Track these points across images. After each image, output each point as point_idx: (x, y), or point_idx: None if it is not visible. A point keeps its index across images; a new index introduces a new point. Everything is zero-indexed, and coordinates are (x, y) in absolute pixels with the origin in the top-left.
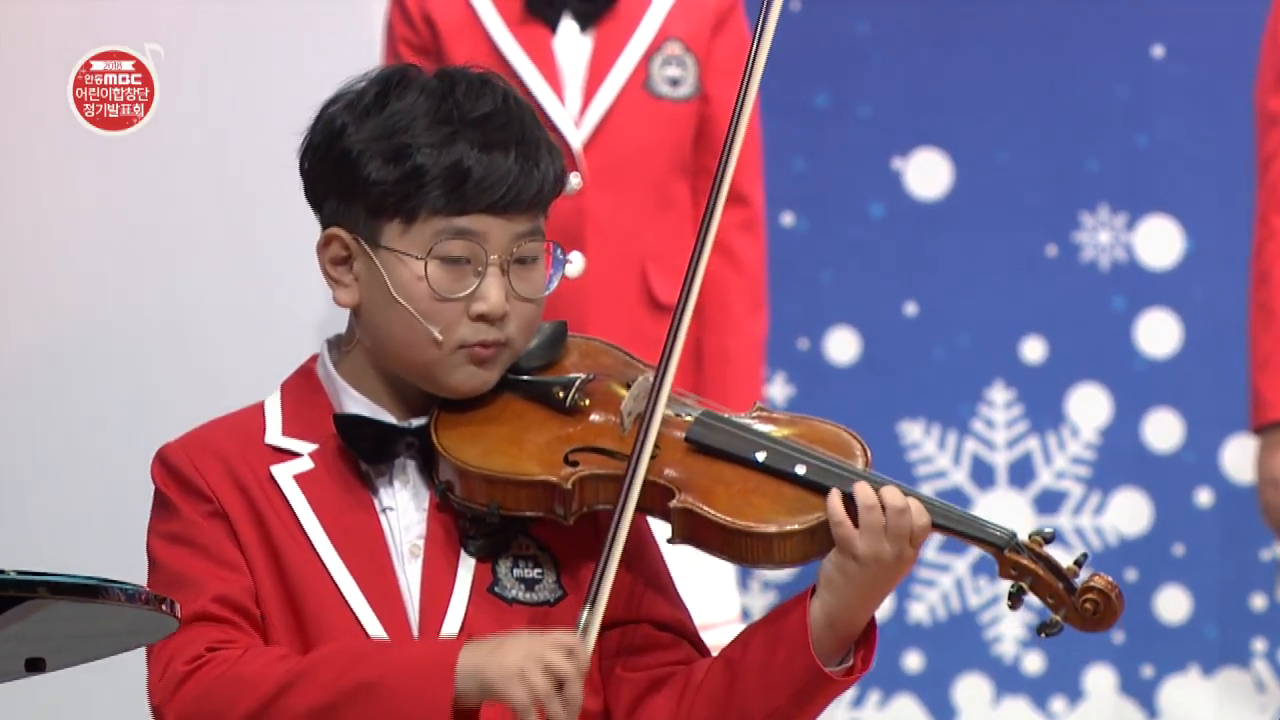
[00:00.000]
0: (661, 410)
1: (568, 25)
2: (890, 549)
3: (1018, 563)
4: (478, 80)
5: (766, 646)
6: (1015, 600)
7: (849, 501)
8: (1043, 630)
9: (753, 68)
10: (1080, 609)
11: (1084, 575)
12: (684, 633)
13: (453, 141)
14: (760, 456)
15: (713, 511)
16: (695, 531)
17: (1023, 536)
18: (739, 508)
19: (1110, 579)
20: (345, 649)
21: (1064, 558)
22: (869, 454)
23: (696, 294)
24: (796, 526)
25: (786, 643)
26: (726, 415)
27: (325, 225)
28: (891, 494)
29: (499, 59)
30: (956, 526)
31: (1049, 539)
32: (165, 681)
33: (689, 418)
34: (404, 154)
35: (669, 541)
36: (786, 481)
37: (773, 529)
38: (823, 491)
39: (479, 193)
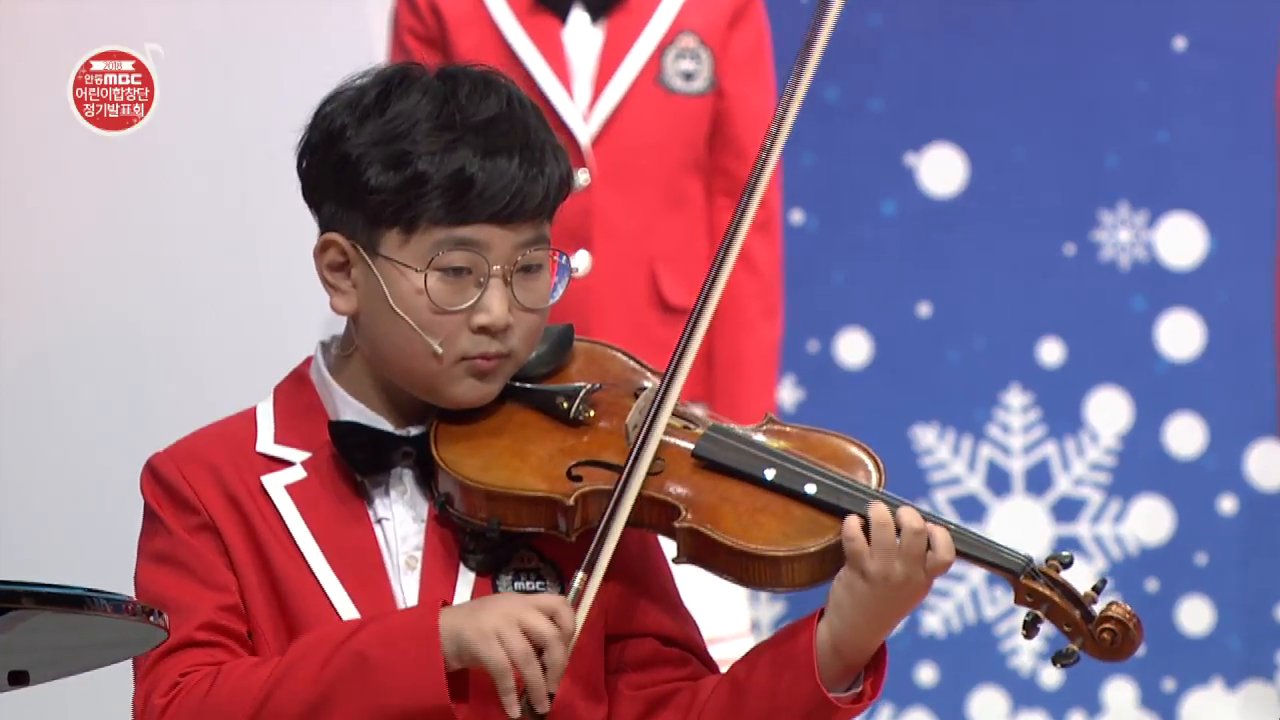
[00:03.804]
0: (662, 427)
1: (578, 16)
2: (900, 569)
3: (1033, 589)
4: (481, 81)
5: (772, 670)
6: (1030, 629)
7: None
8: (1058, 660)
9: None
10: (1098, 638)
11: (1102, 603)
12: (691, 648)
13: (454, 148)
14: (769, 474)
15: (719, 532)
16: (701, 552)
17: (1040, 561)
18: (746, 528)
19: (1129, 608)
20: (321, 637)
21: (1082, 583)
22: (883, 471)
23: (710, 311)
24: (805, 549)
25: (792, 668)
26: (735, 429)
27: (323, 229)
28: (909, 515)
29: (506, 51)
30: (970, 550)
31: (1067, 564)
32: (146, 716)
33: (697, 431)
34: (404, 161)
35: (674, 561)
36: (796, 501)
37: (781, 552)
38: (833, 512)
39: (481, 202)
